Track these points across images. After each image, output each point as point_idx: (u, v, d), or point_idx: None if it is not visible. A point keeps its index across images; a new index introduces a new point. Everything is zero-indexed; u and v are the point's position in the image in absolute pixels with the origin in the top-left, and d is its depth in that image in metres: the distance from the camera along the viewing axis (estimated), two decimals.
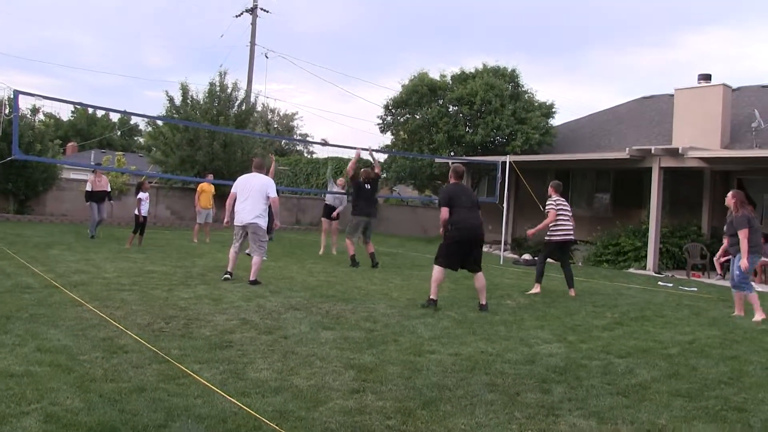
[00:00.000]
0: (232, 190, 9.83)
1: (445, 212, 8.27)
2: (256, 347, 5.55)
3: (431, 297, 8.25)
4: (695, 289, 12.59)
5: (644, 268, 16.28)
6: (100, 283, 8.68)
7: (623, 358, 5.94)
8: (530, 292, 10.11)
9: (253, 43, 32.25)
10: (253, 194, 9.59)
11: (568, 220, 10.37)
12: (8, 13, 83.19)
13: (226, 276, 9.64)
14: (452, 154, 24.15)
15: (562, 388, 4.84)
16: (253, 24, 32.41)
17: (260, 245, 9.68)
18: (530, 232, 10.57)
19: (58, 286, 8.17)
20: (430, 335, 6.50)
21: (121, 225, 22.34)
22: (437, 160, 23.63)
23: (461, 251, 8.30)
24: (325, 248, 15.50)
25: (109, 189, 17.44)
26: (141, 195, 14.84)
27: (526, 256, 17.34)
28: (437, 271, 8.28)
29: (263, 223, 9.71)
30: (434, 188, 28.48)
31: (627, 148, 17.02)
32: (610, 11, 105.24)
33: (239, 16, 33.05)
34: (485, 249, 21.27)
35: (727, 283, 13.92)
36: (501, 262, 16.32)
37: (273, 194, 9.74)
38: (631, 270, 16.37)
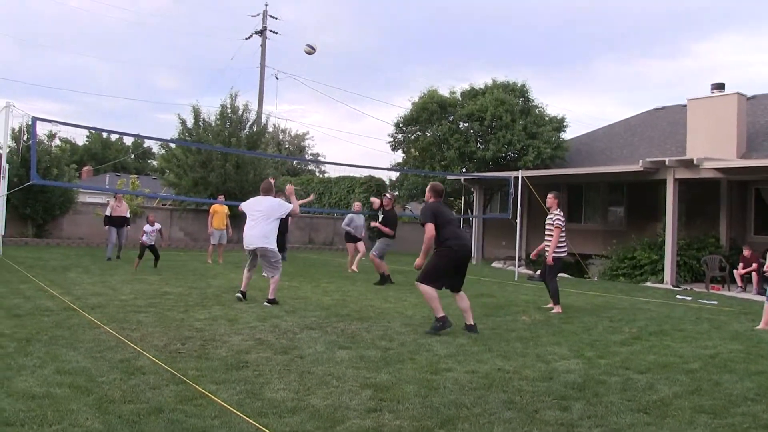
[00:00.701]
0: (241, 209, 9.79)
1: (430, 229, 7.60)
2: (272, 367, 5.54)
3: (439, 315, 7.56)
4: (715, 302, 12.45)
5: (661, 281, 16.16)
6: (117, 305, 8.72)
7: (643, 374, 5.87)
8: (553, 312, 9.85)
9: (263, 65, 32.54)
10: (260, 217, 9.44)
11: (564, 235, 10.15)
12: (22, 40, 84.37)
13: (238, 295, 9.66)
14: (464, 170, 24.18)
15: (581, 405, 4.79)
16: (263, 46, 32.72)
17: (273, 265, 9.58)
18: (549, 260, 9.98)
19: (76, 308, 8.22)
20: (446, 353, 6.47)
21: (135, 248, 22.43)
22: (449, 177, 23.65)
23: (454, 270, 7.78)
24: (354, 264, 15.67)
25: (128, 215, 17.74)
26: (145, 227, 14.85)
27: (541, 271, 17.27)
28: (428, 289, 7.60)
29: (272, 245, 9.50)
30: (447, 205, 28.41)
31: (640, 161, 16.96)
32: (619, 22, 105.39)
33: (249, 38, 33.40)
34: (499, 265, 21.26)
35: (748, 296, 13.82)
36: (516, 278, 16.24)
37: (285, 210, 9.63)
38: (648, 284, 16.25)
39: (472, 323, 7.81)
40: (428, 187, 8.20)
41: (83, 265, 14.43)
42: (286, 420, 4.19)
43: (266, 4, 35.42)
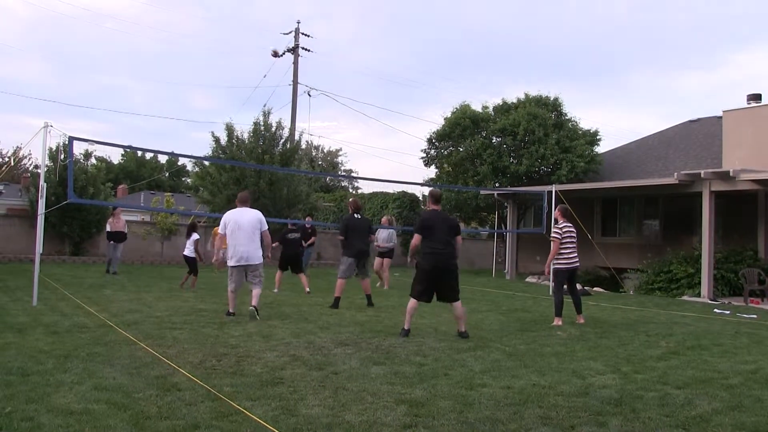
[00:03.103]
0: (220, 230, 9.71)
1: (416, 239, 8.35)
2: (307, 383, 5.55)
3: (405, 326, 8.35)
4: (755, 316, 12.20)
5: (698, 295, 15.88)
6: (153, 321, 8.82)
7: (681, 389, 5.78)
8: (552, 324, 9.81)
9: (295, 82, 32.77)
10: (249, 230, 9.43)
11: (573, 246, 10.13)
12: (60, 62, 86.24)
13: (230, 315, 9.51)
14: (497, 185, 24.09)
15: (618, 421, 4.72)
16: (295, 63, 32.96)
17: (260, 277, 9.70)
18: (546, 271, 10.45)
19: (112, 325, 8.33)
20: (481, 368, 6.43)
21: (170, 264, 22.70)
22: (482, 191, 23.57)
23: (431, 280, 8.31)
24: (383, 282, 15.58)
25: (125, 230, 18.22)
26: (197, 236, 14.73)
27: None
28: (410, 302, 8.42)
29: (261, 259, 9.68)
30: (480, 220, 28.34)
31: (675, 173, 16.75)
32: (652, 35, 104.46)
33: (281, 56, 33.64)
34: (533, 280, 21.07)
35: None
36: (550, 293, 16.08)
37: (265, 225, 9.64)
38: (685, 297, 15.99)
39: (463, 330, 8.36)
40: (429, 193, 8.75)
41: (119, 283, 14.63)
42: None
43: (298, 22, 35.82)
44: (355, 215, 11.90)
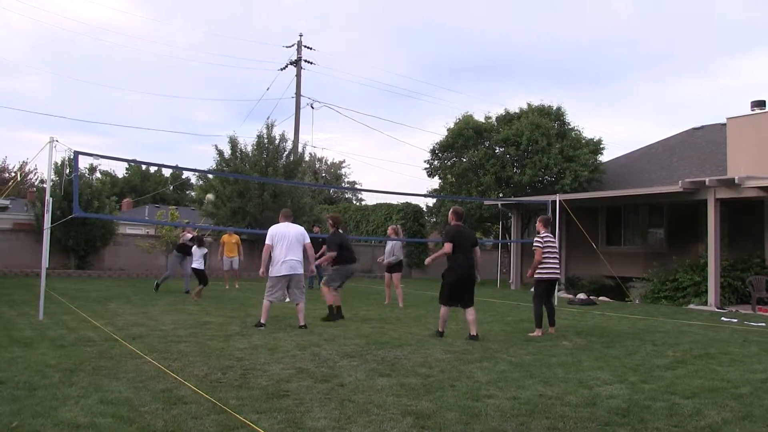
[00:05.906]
0: (268, 242, 9.87)
1: (448, 247, 9.08)
2: (312, 396, 5.53)
3: (439, 329, 9.32)
4: (763, 324, 12.13)
5: (705, 303, 15.81)
6: (158, 335, 8.81)
7: (689, 399, 5.74)
8: (531, 334, 9.70)
9: (298, 95, 32.82)
10: (294, 243, 9.88)
11: (554, 256, 10.12)
12: (64, 77, 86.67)
13: (260, 328, 9.72)
14: (501, 195, 24.09)
15: (626, 431, 4.69)
16: (298, 76, 33.02)
17: (303, 290, 10.15)
18: (529, 273, 10.35)
19: (118, 339, 8.33)
20: (487, 379, 6.41)
21: (175, 277, 22.67)
22: (486, 202, 23.57)
23: (458, 290, 9.18)
24: (390, 299, 14.95)
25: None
26: (203, 250, 14.96)
27: (581, 296, 17.03)
28: (442, 309, 9.29)
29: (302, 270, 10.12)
30: (484, 231, 28.34)
31: (680, 181, 16.70)
32: (654, 42, 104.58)
33: (284, 69, 33.71)
34: None
35: None
36: (556, 303, 16.04)
37: (307, 238, 10.16)
38: (692, 306, 15.93)
39: (474, 334, 9.07)
40: (450, 210, 9.50)
41: (124, 296, 14.65)
42: None
43: (300, 35, 35.94)
44: (339, 230, 11.86)
